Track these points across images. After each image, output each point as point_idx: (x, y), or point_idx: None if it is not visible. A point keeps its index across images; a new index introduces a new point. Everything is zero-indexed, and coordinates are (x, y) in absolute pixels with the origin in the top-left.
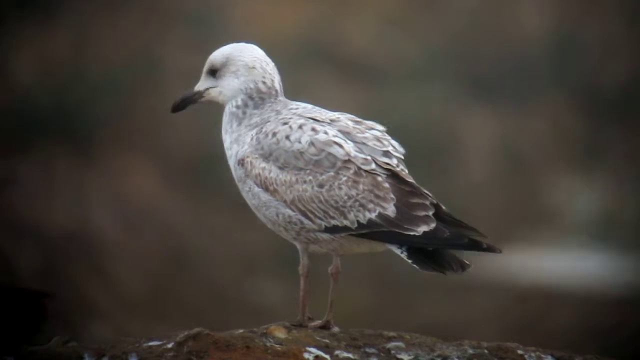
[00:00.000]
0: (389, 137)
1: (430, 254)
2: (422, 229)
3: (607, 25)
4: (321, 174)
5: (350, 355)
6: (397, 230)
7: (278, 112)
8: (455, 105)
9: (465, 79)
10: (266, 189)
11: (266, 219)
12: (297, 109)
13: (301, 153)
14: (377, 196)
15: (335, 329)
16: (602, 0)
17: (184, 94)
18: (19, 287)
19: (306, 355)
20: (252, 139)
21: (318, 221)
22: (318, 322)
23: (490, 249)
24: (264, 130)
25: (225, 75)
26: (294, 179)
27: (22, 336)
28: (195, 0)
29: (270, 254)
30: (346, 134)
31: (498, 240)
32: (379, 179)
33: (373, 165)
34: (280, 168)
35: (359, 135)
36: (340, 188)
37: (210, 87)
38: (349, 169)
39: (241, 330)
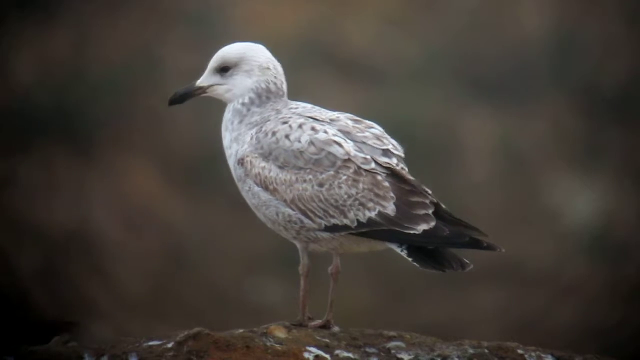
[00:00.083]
0: (388, 136)
1: (430, 252)
2: (422, 227)
3: (607, 25)
4: (321, 173)
5: (351, 355)
6: (397, 229)
7: (278, 111)
8: (455, 105)
9: (465, 79)
10: (266, 188)
11: (266, 218)
12: (297, 108)
13: (301, 152)
14: (377, 195)
15: (336, 329)
16: (602, 0)
17: (184, 87)
18: (47, 320)
19: (306, 354)
20: (251, 138)
21: (318, 220)
22: (318, 322)
23: (490, 248)
24: (263, 129)
25: (237, 74)
26: (293, 178)
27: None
28: (195, 0)
29: (270, 253)
30: (346, 133)
31: (498, 240)
32: (379, 177)
33: (373, 165)
34: (280, 167)
35: (358, 134)
36: (340, 187)
37: (217, 84)
38: (348, 168)
39: (241, 330)
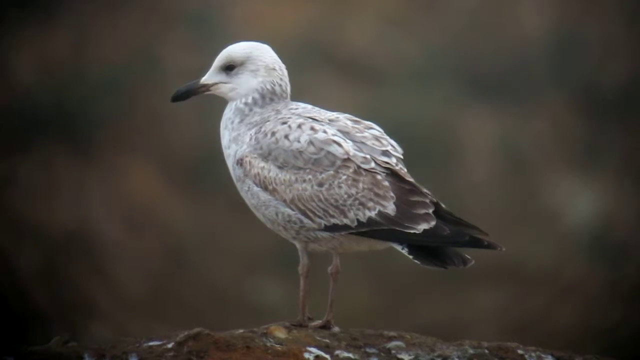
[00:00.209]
0: (387, 137)
1: (431, 249)
2: (423, 226)
3: (607, 25)
4: (321, 173)
5: (351, 355)
6: (397, 229)
7: (278, 112)
8: (455, 105)
9: (466, 79)
10: (265, 189)
11: (265, 218)
12: (296, 109)
13: (300, 152)
14: (377, 194)
15: (336, 329)
16: (602, 0)
17: (187, 84)
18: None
19: (306, 355)
20: (251, 139)
21: (318, 220)
22: (318, 322)
23: (491, 246)
24: (262, 129)
25: (242, 73)
26: (293, 178)
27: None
28: (195, 0)
29: (270, 253)
30: (345, 133)
31: (498, 240)
32: (379, 177)
33: (372, 164)
34: (280, 167)
35: (357, 134)
36: (340, 187)
37: (221, 82)
38: (348, 167)
39: (241, 330)
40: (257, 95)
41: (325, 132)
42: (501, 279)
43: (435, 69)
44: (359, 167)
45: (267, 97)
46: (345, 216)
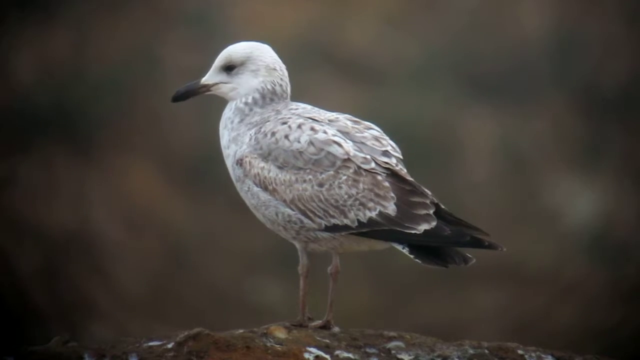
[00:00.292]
0: (386, 137)
1: (432, 249)
2: (423, 227)
3: (607, 25)
4: (321, 173)
5: (351, 355)
6: (398, 229)
7: (278, 112)
8: (455, 105)
9: (465, 79)
10: (265, 189)
11: (265, 218)
12: (296, 109)
13: (300, 152)
14: (378, 195)
15: (336, 329)
16: (602, 0)
17: (188, 85)
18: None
19: (306, 355)
20: (250, 139)
21: (318, 220)
22: (318, 322)
23: (492, 246)
24: (262, 130)
25: (243, 73)
26: (293, 178)
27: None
28: (195, 0)
29: (270, 253)
30: (345, 133)
31: (498, 240)
32: (379, 177)
33: (373, 165)
34: (280, 167)
35: (357, 135)
36: (340, 187)
37: (222, 82)
38: (348, 167)
39: (241, 330)
40: (257, 95)
41: (325, 132)
42: (501, 279)
43: (435, 69)
44: (359, 167)
45: (268, 97)
46: (346, 216)
